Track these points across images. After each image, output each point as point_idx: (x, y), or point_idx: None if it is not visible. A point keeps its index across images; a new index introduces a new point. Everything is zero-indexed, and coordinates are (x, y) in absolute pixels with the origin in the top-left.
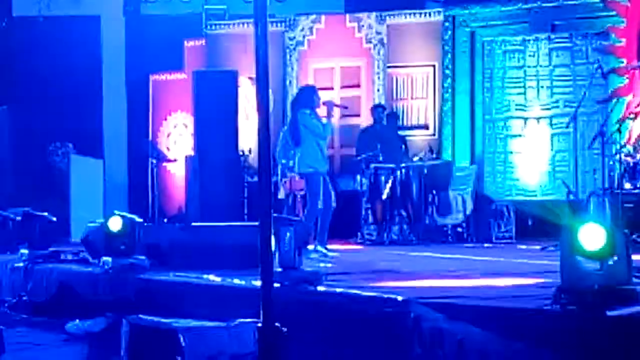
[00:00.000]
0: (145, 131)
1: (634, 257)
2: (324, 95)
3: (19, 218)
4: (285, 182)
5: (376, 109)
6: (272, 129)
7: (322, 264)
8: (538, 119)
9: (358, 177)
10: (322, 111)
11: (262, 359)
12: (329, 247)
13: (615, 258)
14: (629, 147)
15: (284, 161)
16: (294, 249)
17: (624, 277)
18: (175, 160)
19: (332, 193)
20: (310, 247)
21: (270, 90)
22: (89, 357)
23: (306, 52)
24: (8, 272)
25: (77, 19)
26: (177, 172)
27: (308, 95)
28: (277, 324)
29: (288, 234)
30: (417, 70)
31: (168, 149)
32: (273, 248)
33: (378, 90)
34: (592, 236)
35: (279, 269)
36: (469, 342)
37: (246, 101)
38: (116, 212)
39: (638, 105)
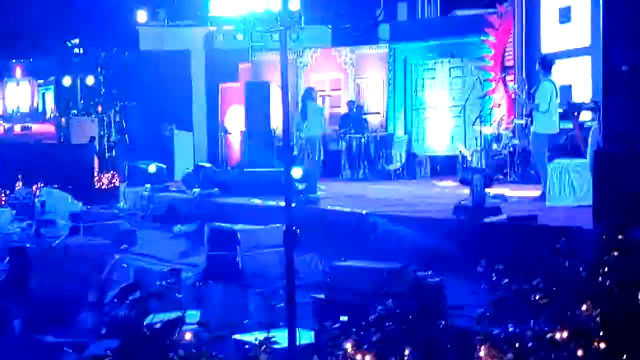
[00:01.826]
0: (216, 116)
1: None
2: (319, 94)
3: (143, 166)
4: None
5: (349, 103)
6: (290, 113)
7: (319, 192)
8: (443, 108)
9: (340, 142)
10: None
11: (285, 247)
12: (322, 183)
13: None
14: (495, 124)
15: (297, 133)
16: (313, 181)
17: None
18: (232, 133)
19: (322, 151)
20: None
21: (289, 93)
22: (186, 246)
23: (309, 70)
24: (140, 197)
25: (178, 52)
26: (235, 140)
27: (310, 92)
28: (294, 227)
29: (310, 173)
30: (373, 81)
31: (230, 126)
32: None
33: (350, 92)
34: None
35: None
36: (404, 237)
37: (275, 99)
38: (200, 163)
39: (500, 100)
